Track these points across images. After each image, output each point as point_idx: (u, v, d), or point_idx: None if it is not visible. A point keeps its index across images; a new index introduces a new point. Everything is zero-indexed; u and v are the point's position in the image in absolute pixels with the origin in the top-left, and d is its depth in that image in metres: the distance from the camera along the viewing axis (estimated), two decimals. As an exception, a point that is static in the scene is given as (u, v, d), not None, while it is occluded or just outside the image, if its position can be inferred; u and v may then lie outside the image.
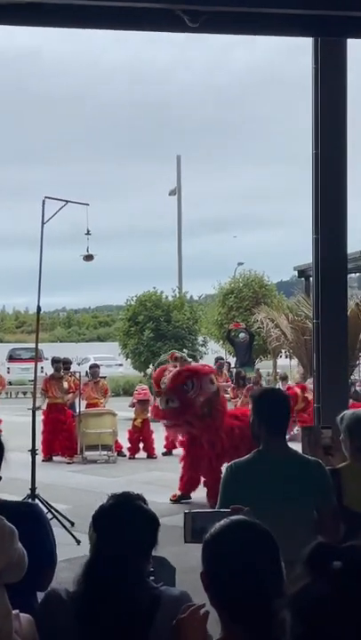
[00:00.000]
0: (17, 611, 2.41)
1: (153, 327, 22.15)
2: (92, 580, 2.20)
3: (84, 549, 7.82)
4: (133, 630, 2.14)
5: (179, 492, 10.01)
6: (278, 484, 3.29)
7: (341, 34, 6.76)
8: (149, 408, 13.64)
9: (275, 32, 6.65)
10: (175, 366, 10.07)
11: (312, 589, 1.33)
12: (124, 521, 2.26)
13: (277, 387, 18.68)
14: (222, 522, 1.93)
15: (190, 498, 9.97)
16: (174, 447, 12.94)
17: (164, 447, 13.59)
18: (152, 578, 2.32)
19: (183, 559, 2.91)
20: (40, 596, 3.17)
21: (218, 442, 9.70)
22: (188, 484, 10.10)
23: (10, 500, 3.33)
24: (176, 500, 9.79)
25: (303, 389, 14.18)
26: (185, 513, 2.57)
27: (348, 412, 3.94)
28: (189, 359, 10.51)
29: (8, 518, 2.60)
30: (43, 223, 7.35)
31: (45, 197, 7.43)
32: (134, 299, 23.99)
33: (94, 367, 15.31)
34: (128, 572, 2.18)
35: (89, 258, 9.77)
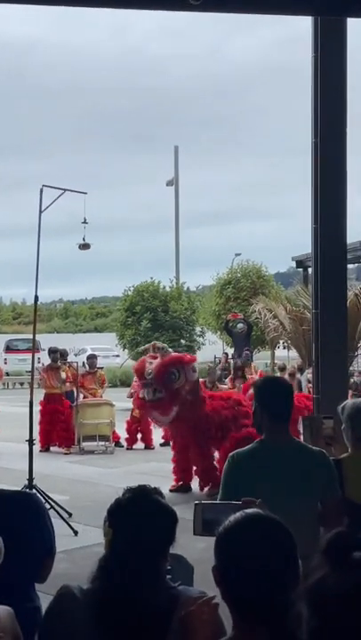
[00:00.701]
0: None
1: (150, 317, 22.09)
2: (107, 578, 2.11)
3: (82, 540, 7.83)
4: (150, 631, 2.05)
5: (176, 484, 10.05)
6: (282, 475, 3.24)
7: (342, 12, 6.63)
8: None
9: (276, 11, 6.53)
10: (155, 357, 10.06)
11: (329, 581, 1.29)
12: (141, 516, 2.16)
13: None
14: (236, 515, 1.85)
15: (191, 488, 9.97)
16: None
17: (162, 438, 13.60)
18: (169, 577, 2.23)
19: (185, 552, 2.86)
20: (38, 587, 3.13)
21: (204, 427, 9.83)
22: (180, 475, 10.19)
23: (7, 489, 3.28)
24: (177, 490, 9.88)
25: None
26: (195, 504, 2.50)
27: (349, 402, 3.90)
28: (170, 349, 10.47)
29: (5, 507, 2.54)
30: (40, 211, 7.30)
31: (43, 186, 7.36)
32: (132, 289, 23.93)
33: (92, 358, 15.27)
34: (145, 570, 2.09)
35: (85, 247, 9.71)
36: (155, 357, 10.03)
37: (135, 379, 14.97)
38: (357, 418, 3.78)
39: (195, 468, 10.15)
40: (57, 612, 2.18)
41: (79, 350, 32.76)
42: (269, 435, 3.45)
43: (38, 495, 3.26)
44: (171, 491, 9.72)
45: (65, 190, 7.63)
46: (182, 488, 9.98)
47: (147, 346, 10.84)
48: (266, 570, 1.72)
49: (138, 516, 2.16)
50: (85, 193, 8.36)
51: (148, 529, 2.14)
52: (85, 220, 8.78)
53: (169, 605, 2.09)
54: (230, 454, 3.47)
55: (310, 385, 10.44)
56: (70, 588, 2.18)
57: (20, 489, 6.74)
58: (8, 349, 33.62)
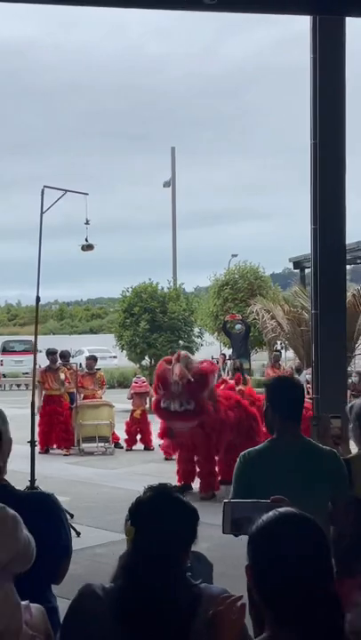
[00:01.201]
0: (27, 601, 2.34)
1: (149, 319, 22.07)
2: (130, 576, 2.10)
3: (84, 541, 7.84)
4: (173, 630, 2.04)
5: (178, 484, 10.04)
6: (293, 474, 3.25)
7: (341, 12, 6.63)
8: (147, 399, 13.63)
9: (278, 10, 6.52)
10: (170, 361, 10.03)
11: None
12: (164, 514, 2.16)
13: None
14: (270, 513, 1.84)
15: (192, 488, 10.01)
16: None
17: (158, 436, 13.62)
18: (189, 574, 2.22)
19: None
20: (55, 588, 3.12)
21: (218, 431, 9.89)
22: (184, 476, 10.21)
23: (24, 490, 3.27)
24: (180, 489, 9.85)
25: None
26: (224, 502, 2.49)
27: (357, 401, 3.91)
28: (193, 358, 10.45)
29: (24, 508, 2.54)
30: (42, 212, 7.30)
31: (45, 187, 7.36)
32: (130, 290, 23.94)
33: (91, 359, 15.27)
34: (169, 568, 2.09)
35: (89, 247, 9.65)
36: (170, 361, 10.00)
37: (134, 380, 15.03)
38: None
39: (198, 470, 10.17)
40: (79, 611, 2.16)
41: (76, 352, 32.77)
42: (281, 434, 3.47)
43: (55, 496, 3.24)
44: None
45: (66, 191, 7.63)
46: (184, 487, 10.01)
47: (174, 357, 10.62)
48: (302, 567, 1.71)
49: (160, 514, 2.16)
50: (87, 194, 8.37)
51: (171, 527, 2.14)
52: (88, 220, 8.76)
53: (192, 603, 2.09)
54: (242, 453, 3.48)
55: (309, 385, 10.46)
56: (92, 586, 2.18)
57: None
58: (4, 351, 33.58)
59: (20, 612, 2.42)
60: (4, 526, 2.43)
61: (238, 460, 3.47)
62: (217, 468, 10.11)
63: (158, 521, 2.14)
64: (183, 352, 10.50)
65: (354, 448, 4.07)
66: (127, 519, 2.21)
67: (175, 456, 10.78)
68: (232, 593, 2.19)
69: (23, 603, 2.31)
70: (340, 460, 3.54)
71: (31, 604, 2.25)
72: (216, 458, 10.13)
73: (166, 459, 11.94)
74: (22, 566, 2.49)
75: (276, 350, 21.15)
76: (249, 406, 10.39)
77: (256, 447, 3.52)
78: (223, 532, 2.56)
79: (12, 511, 2.47)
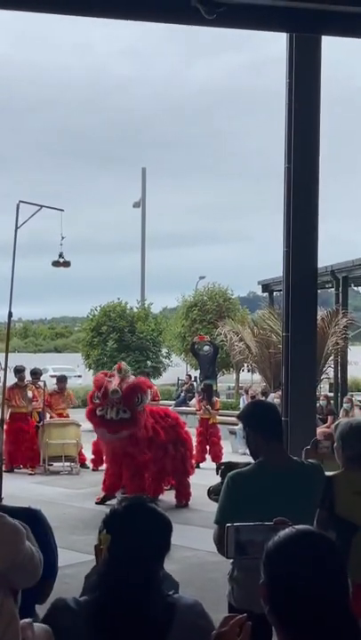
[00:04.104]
0: (30, 620, 2.27)
1: (117, 338, 22.03)
2: (108, 586, 2.09)
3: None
4: (150, 639, 2.06)
5: (102, 494, 10.46)
6: (282, 495, 3.23)
7: (316, 30, 6.70)
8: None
9: (254, 27, 6.58)
10: (111, 375, 10.37)
11: None
12: (139, 521, 2.18)
13: (242, 400, 18.75)
14: (287, 531, 1.80)
15: (115, 496, 10.11)
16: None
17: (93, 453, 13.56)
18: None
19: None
20: (39, 608, 3.04)
21: (142, 446, 10.19)
22: (110, 487, 10.48)
23: (10, 505, 3.18)
24: (101, 502, 10.27)
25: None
26: (227, 526, 2.42)
27: (342, 421, 3.97)
28: (130, 371, 10.84)
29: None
30: (17, 227, 7.26)
31: (20, 202, 7.33)
32: (98, 309, 23.87)
33: (61, 380, 15.18)
34: (145, 576, 2.10)
35: (65, 264, 9.60)
36: (111, 375, 10.30)
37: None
38: (348, 437, 3.84)
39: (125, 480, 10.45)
40: (54, 625, 2.14)
41: (41, 370, 32.48)
42: (267, 456, 3.46)
43: (43, 512, 3.17)
44: (97, 503, 10.25)
45: (41, 207, 7.62)
46: (107, 498, 10.35)
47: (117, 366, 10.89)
48: (322, 586, 1.68)
49: (135, 522, 2.17)
50: (62, 210, 8.37)
51: (146, 535, 2.14)
52: (63, 237, 8.75)
53: (167, 613, 2.10)
54: (229, 475, 3.45)
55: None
56: (65, 600, 2.17)
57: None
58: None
59: (16, 626, 2.33)
60: (4, 534, 2.39)
61: (226, 481, 3.43)
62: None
63: (134, 528, 2.15)
64: (124, 364, 10.73)
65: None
66: (101, 529, 2.21)
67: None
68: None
69: (26, 620, 2.24)
70: (324, 474, 3.57)
71: (35, 624, 2.19)
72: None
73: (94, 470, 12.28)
74: (25, 580, 2.43)
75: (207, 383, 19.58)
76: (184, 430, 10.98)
77: (243, 469, 3.51)
78: (227, 557, 2.53)
79: (12, 521, 2.42)
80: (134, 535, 2.13)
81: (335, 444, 3.90)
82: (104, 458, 11.34)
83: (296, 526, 1.83)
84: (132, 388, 10.03)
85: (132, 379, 10.44)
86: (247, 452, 3.74)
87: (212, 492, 3.56)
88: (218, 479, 3.70)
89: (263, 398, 17.01)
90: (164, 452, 10.42)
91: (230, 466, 3.65)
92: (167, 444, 10.48)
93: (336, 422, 4.02)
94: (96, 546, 2.21)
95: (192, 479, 10.86)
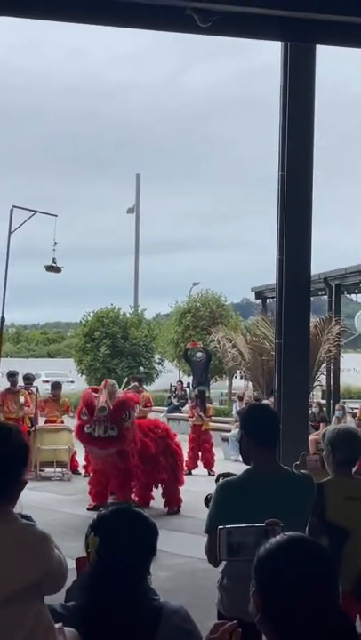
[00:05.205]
0: (60, 624, 2.26)
1: (110, 344, 22.01)
2: (97, 590, 2.10)
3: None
4: None
5: (93, 504, 10.38)
6: (271, 503, 3.21)
7: (310, 39, 6.69)
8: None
9: (249, 35, 6.58)
10: (97, 390, 10.37)
11: None
12: (126, 525, 2.21)
13: (234, 406, 18.75)
14: (278, 538, 1.80)
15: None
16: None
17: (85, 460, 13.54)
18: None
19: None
20: None
21: (131, 459, 10.19)
22: (98, 497, 10.44)
23: None
24: (93, 508, 10.14)
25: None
26: (219, 528, 2.45)
27: (330, 428, 3.98)
28: (117, 387, 10.80)
29: None
30: (10, 232, 7.26)
31: (13, 207, 7.33)
32: (91, 314, 23.84)
33: (56, 387, 15.13)
34: (133, 579, 2.11)
35: (56, 270, 9.61)
36: (98, 390, 10.30)
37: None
38: (337, 444, 3.85)
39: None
40: None
41: (34, 375, 32.42)
42: (258, 463, 3.45)
43: (33, 518, 3.15)
44: (88, 509, 10.15)
45: (35, 212, 7.62)
46: (99, 507, 10.25)
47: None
48: (313, 593, 1.68)
49: (122, 525, 2.21)
50: (56, 215, 8.37)
51: (132, 538, 2.17)
52: (55, 242, 8.75)
53: (152, 617, 2.13)
54: (219, 484, 3.44)
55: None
56: (51, 605, 2.20)
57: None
58: None
59: (53, 635, 2.30)
60: (36, 542, 2.40)
61: (216, 489, 3.42)
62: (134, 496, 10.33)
63: (120, 530, 2.18)
64: (110, 381, 10.75)
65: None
66: (88, 534, 2.23)
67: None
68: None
69: (57, 625, 2.25)
70: (314, 484, 3.54)
71: (65, 628, 2.18)
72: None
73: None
74: (53, 587, 2.43)
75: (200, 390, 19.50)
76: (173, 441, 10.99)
77: (234, 477, 3.49)
78: (219, 559, 2.53)
79: (40, 528, 2.43)
80: (121, 537, 2.17)
81: (324, 451, 3.91)
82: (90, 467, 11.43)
83: (287, 533, 1.83)
84: (120, 405, 10.05)
85: (119, 393, 10.44)
86: (239, 458, 3.73)
87: (209, 501, 3.55)
88: (215, 487, 3.69)
89: (239, 402, 17.04)
90: (154, 464, 10.43)
91: (230, 476, 3.64)
92: (157, 455, 10.49)
93: (323, 430, 4.03)
94: (77, 559, 2.22)
95: (184, 486, 10.88)
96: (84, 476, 13.47)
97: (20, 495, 2.68)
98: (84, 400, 10.44)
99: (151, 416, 15.55)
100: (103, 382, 10.57)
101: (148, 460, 10.35)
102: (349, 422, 13.65)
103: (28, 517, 3.01)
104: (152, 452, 10.41)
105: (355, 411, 15.83)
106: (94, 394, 10.29)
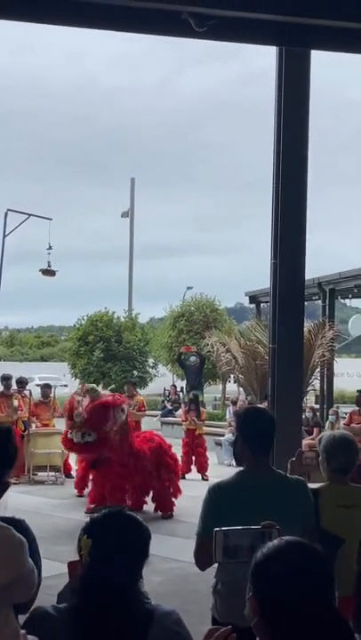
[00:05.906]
0: (24, 631, 2.26)
1: (103, 347, 21.98)
2: (89, 592, 2.10)
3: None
4: None
5: (92, 506, 10.32)
6: (264, 508, 3.18)
7: (305, 44, 6.70)
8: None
9: (246, 40, 6.58)
10: (83, 397, 10.33)
11: None
12: (119, 526, 2.21)
13: (228, 411, 18.74)
14: (275, 542, 1.80)
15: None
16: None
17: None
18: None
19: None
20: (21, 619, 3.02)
21: (126, 463, 10.16)
22: (97, 500, 10.37)
23: None
24: (92, 512, 9.98)
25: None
26: (215, 531, 2.45)
27: (326, 434, 3.96)
28: (99, 390, 10.70)
29: None
30: (4, 235, 7.25)
31: (8, 210, 7.33)
32: (85, 318, 23.80)
33: (45, 387, 15.10)
34: (126, 581, 2.11)
35: (50, 273, 9.60)
36: (82, 396, 10.32)
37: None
38: (332, 450, 3.84)
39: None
40: (34, 632, 2.15)
41: (27, 379, 32.35)
42: (250, 466, 3.44)
43: (27, 522, 3.14)
44: (86, 513, 10.11)
45: (30, 215, 7.61)
46: (97, 510, 10.20)
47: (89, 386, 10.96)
48: (310, 597, 1.68)
49: (115, 527, 2.21)
50: (50, 219, 8.36)
51: (125, 540, 2.17)
52: (50, 246, 8.74)
53: (144, 619, 2.12)
54: (211, 486, 3.43)
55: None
56: (43, 607, 2.20)
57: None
58: None
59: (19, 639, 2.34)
60: (10, 546, 2.40)
61: (207, 492, 3.40)
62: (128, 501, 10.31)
63: (113, 532, 2.18)
64: (89, 385, 10.92)
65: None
66: (81, 536, 2.23)
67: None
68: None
69: (21, 632, 2.25)
70: (308, 489, 3.54)
71: (29, 636, 2.18)
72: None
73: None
74: (23, 594, 2.43)
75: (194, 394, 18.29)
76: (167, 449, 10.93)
77: (225, 479, 3.48)
78: (215, 561, 2.53)
79: (18, 534, 2.42)
80: (114, 540, 2.16)
81: (320, 458, 3.90)
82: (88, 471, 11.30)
83: (284, 537, 1.83)
84: (93, 409, 9.96)
85: (103, 397, 10.40)
86: (233, 462, 3.73)
87: None
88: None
89: (232, 407, 16.98)
90: (148, 472, 10.39)
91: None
92: (152, 465, 10.45)
93: (319, 435, 4.01)
94: (69, 563, 2.22)
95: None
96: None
97: (2, 496, 2.68)
98: (67, 406, 10.51)
99: (145, 420, 15.55)
100: (82, 387, 10.61)
101: (141, 469, 10.31)
102: (343, 427, 13.66)
103: (20, 522, 3.00)
104: (147, 461, 10.37)
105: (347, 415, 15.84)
106: (77, 398, 10.31)
